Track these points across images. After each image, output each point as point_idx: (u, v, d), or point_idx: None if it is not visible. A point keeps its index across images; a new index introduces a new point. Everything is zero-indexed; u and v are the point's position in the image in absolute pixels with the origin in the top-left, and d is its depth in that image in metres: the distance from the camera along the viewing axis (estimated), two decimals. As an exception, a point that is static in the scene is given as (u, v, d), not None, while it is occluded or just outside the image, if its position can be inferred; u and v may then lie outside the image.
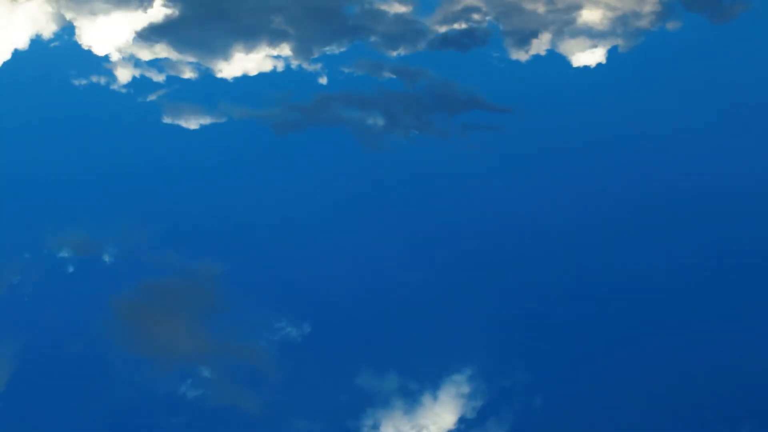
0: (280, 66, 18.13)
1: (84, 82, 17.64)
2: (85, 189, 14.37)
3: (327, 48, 18.91)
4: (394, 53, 18.74)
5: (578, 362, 10.74)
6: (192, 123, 16.04)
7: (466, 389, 10.29)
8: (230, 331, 11.37)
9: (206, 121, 16.10)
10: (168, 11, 20.85)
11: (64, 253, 12.89)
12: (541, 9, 20.70)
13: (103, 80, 17.66)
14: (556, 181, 14.49)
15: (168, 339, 11.18)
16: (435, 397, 10.22)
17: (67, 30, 20.06)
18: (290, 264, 12.63)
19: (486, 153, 15.27)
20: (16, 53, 19.00)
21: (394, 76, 17.64)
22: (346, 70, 17.84)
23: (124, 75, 17.87)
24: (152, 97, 16.94)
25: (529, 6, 20.87)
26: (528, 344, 11.02)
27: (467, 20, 20.24)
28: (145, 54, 18.66)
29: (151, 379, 10.64)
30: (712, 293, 11.91)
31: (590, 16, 20.53)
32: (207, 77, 17.67)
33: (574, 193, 14.16)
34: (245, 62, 18.34)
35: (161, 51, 18.78)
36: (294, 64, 18.13)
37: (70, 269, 12.56)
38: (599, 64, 18.45)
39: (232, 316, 11.67)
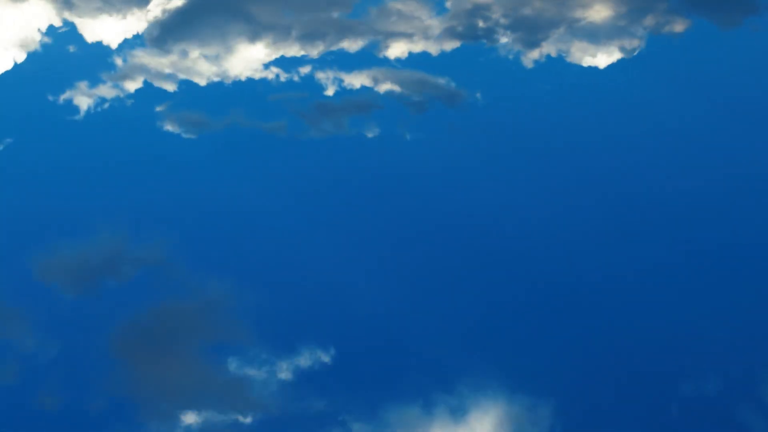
0: (286, 70, 17.98)
1: (85, 88, 17.46)
2: (86, 202, 14.08)
3: (334, 50, 18.78)
4: (403, 54, 18.65)
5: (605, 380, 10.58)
6: (196, 132, 15.84)
7: (497, 417, 10.08)
8: (242, 362, 10.93)
9: (211, 130, 15.91)
10: (169, 8, 20.64)
11: (56, 277, 12.39)
12: (551, 10, 20.60)
13: (105, 87, 17.48)
14: (565, 184, 14.39)
15: (175, 375, 10.62)
16: (466, 424, 10.02)
17: (68, 33, 19.89)
18: (301, 284, 12.27)
19: (495, 155, 15.17)
20: (14, 57, 18.83)
21: (402, 79, 17.51)
22: (353, 75, 17.69)
23: (125, 81, 17.68)
24: (160, 108, 16.75)
25: (539, 6, 20.78)
26: (561, 368, 10.83)
27: (477, 21, 20.13)
28: (149, 60, 18.46)
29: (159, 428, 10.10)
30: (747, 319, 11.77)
31: (601, 17, 20.46)
32: (212, 84, 17.55)
33: (583, 197, 14.08)
34: (251, 67, 18.16)
35: (165, 55, 18.60)
36: (302, 71, 17.97)
37: (63, 297, 12.01)
38: (610, 66, 18.42)
39: (244, 344, 11.25)
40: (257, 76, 17.81)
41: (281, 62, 18.34)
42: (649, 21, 20.24)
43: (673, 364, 10.77)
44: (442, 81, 17.52)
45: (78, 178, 14.66)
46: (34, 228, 13.48)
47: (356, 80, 17.48)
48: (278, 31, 19.65)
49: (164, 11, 20.76)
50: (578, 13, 20.59)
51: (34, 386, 10.48)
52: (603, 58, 18.79)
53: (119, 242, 13.08)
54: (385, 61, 18.31)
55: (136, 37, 19.46)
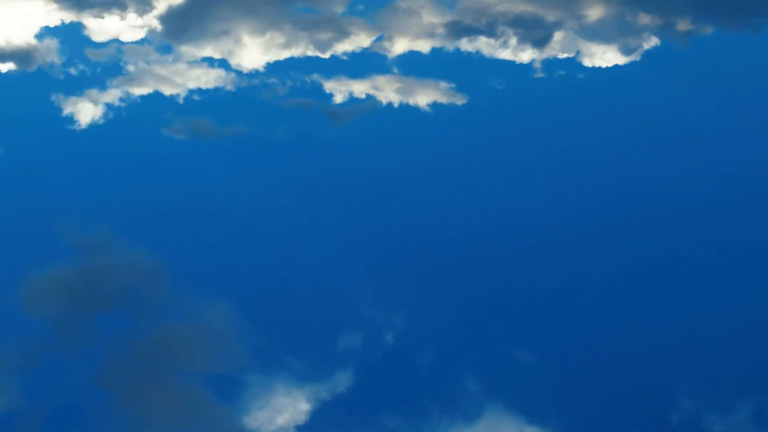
0: (292, 76, 17.81)
1: (89, 94, 17.24)
2: (83, 215, 13.60)
3: (340, 53, 18.68)
4: (408, 55, 18.55)
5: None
6: (203, 139, 15.63)
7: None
8: (239, 392, 10.32)
9: (216, 137, 15.70)
10: (174, 4, 20.53)
11: (41, 303, 11.62)
12: (558, 11, 20.48)
13: (111, 93, 17.29)
14: (571, 186, 14.32)
15: (168, 407, 9.82)
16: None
17: (75, 34, 19.73)
18: (306, 307, 11.76)
19: (500, 156, 15.11)
20: (13, 59, 18.67)
21: (407, 85, 17.41)
22: (358, 82, 17.52)
23: (132, 86, 17.50)
24: (166, 115, 16.51)
25: (546, 6, 20.66)
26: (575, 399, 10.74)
27: (482, 19, 20.02)
28: (158, 66, 18.26)
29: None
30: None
31: (608, 18, 20.34)
32: (219, 90, 17.37)
33: (588, 199, 13.98)
34: (258, 72, 18.00)
35: (173, 62, 18.44)
36: (307, 77, 17.76)
37: (48, 326, 11.23)
38: (615, 66, 18.37)
39: (241, 372, 10.60)
40: (264, 81, 17.66)
41: (288, 66, 18.19)
42: (656, 22, 20.14)
43: (675, 386, 10.70)
44: (445, 84, 17.44)
45: (76, 188, 14.26)
46: (21, 247, 12.82)
47: (361, 86, 17.38)
48: (285, 31, 19.53)
49: (170, 8, 20.64)
50: (585, 14, 20.47)
51: (17, 420, 9.90)
52: (610, 58, 18.72)
53: (111, 260, 12.43)
54: (390, 66, 18.20)
55: (144, 40, 19.30)
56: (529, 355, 11.09)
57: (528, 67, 18.24)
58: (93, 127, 16.07)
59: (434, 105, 16.71)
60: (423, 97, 16.94)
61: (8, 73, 18.04)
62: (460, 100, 16.85)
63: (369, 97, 16.98)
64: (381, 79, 17.60)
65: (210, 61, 18.30)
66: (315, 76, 17.80)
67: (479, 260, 12.74)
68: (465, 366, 10.88)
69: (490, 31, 19.58)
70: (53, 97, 17.04)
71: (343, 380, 10.65)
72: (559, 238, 13.14)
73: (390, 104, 16.72)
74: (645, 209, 13.76)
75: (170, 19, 20.16)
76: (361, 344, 11.19)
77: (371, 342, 11.24)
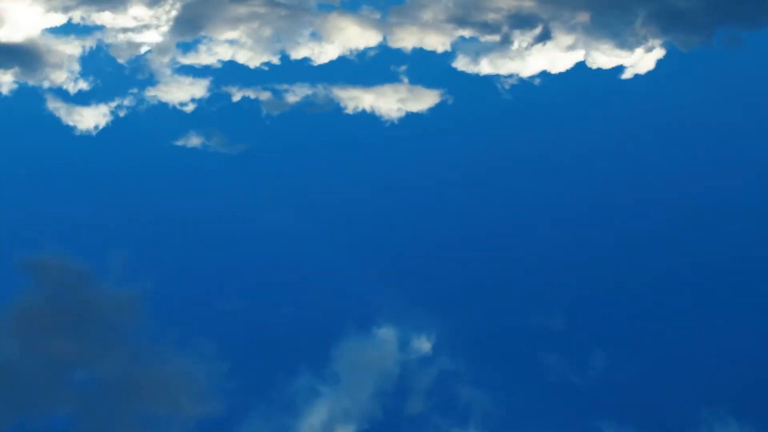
0: (299, 85, 17.69)
1: (99, 100, 16.94)
2: (85, 223, 13.17)
3: (348, 54, 18.66)
4: (413, 55, 18.57)
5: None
6: (210, 149, 15.33)
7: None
8: None
9: (230, 148, 15.39)
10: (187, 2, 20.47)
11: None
12: (561, 10, 20.48)
13: (120, 101, 17.02)
14: (573, 188, 14.30)
15: None
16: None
17: (76, 35, 19.60)
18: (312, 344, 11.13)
19: (503, 158, 15.12)
20: (15, 61, 18.40)
21: (414, 93, 17.36)
22: (367, 90, 17.43)
23: (144, 92, 17.18)
24: (176, 125, 16.10)
25: (549, 5, 20.65)
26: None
27: (484, 20, 20.03)
28: (162, 71, 18.09)
29: None
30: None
31: (609, 17, 20.35)
32: (219, 95, 17.23)
33: (597, 202, 13.95)
34: (268, 78, 17.79)
35: (176, 64, 18.30)
36: (313, 88, 17.58)
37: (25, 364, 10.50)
38: (619, 66, 18.38)
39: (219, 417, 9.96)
40: (273, 88, 17.42)
41: (294, 70, 18.08)
42: (659, 22, 20.16)
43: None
44: (449, 89, 17.42)
45: (60, 208, 13.61)
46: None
47: (367, 93, 17.28)
48: (293, 33, 19.45)
49: (179, 7, 20.54)
50: (588, 14, 20.47)
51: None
52: (612, 57, 18.74)
53: (91, 294, 11.54)
54: (395, 71, 18.14)
55: (150, 42, 19.06)
56: (551, 355, 11.02)
57: (529, 68, 18.24)
58: (87, 137, 15.66)
59: (437, 108, 16.70)
60: (427, 101, 16.91)
61: (8, 75, 17.70)
62: (464, 104, 16.87)
63: (374, 104, 16.90)
64: (387, 87, 17.47)
65: (213, 70, 18.04)
66: (322, 88, 17.47)
67: (495, 272, 12.60)
68: (493, 384, 10.71)
69: (494, 31, 19.58)
70: (55, 104, 16.64)
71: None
72: (568, 243, 13.10)
73: (394, 110, 16.66)
74: (664, 214, 13.69)
75: (177, 20, 20.05)
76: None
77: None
